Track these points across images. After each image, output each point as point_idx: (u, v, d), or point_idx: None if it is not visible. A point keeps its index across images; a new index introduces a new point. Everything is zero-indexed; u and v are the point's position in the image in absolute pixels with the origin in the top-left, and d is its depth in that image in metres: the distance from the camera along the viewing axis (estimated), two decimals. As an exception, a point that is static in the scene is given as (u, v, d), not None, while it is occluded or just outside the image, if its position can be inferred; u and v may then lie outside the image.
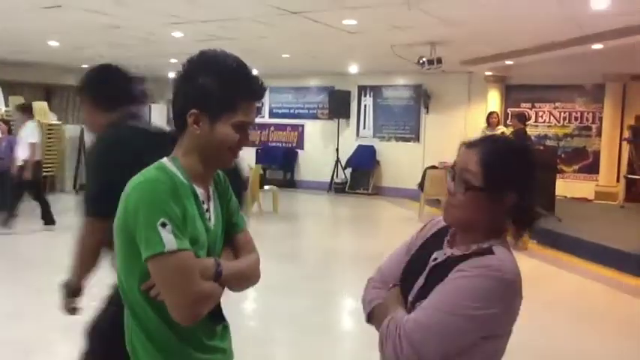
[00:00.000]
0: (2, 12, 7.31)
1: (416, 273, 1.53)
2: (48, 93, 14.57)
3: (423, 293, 1.45)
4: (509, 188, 1.43)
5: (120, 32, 8.47)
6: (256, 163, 13.20)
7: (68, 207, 10.77)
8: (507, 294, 1.40)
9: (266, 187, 10.84)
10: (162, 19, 7.31)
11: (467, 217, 1.46)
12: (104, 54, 11.08)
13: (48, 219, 8.42)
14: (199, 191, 1.59)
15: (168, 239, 1.42)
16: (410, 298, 1.50)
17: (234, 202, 1.76)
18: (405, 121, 13.64)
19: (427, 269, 1.50)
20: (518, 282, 1.42)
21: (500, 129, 10.21)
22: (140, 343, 1.56)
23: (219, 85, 1.50)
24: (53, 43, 9.84)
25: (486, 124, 10.30)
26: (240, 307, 5.22)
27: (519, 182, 1.45)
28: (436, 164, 10.88)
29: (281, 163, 14.73)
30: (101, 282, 2.24)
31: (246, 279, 1.68)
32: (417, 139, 13.56)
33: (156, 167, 1.55)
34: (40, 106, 12.60)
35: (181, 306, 1.46)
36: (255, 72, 1.57)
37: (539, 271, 6.80)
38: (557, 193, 9.52)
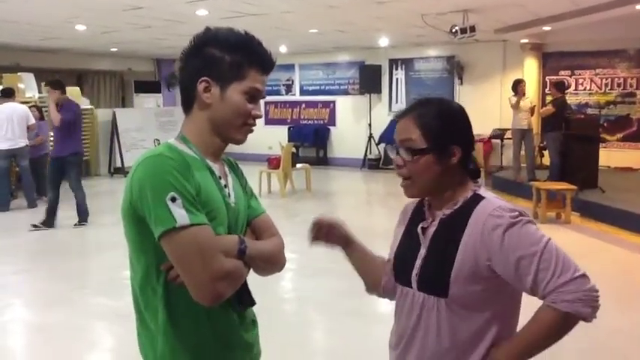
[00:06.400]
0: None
1: (412, 251, 1.52)
2: (80, 78, 14.73)
3: (428, 262, 1.47)
4: (452, 142, 1.46)
5: (143, 13, 8.36)
6: (288, 141, 13.09)
7: (103, 190, 10.93)
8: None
9: (298, 166, 10.71)
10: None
11: (427, 182, 1.48)
12: (132, 37, 11.05)
13: None
14: (214, 167, 1.49)
15: (180, 214, 1.31)
16: (415, 272, 1.49)
17: (250, 187, 1.67)
18: (439, 93, 13.24)
19: (427, 240, 1.49)
20: None
21: (528, 98, 9.73)
22: (152, 350, 1.45)
23: (227, 52, 1.45)
24: (80, 27, 9.81)
25: (514, 93, 9.56)
26: (273, 290, 5.13)
27: (458, 134, 1.49)
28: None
29: (313, 141, 14.61)
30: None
31: (273, 261, 1.56)
32: (451, 111, 13.22)
33: (163, 145, 1.46)
34: (72, 90, 12.76)
35: (201, 283, 1.33)
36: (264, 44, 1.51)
37: (584, 245, 6.53)
38: (599, 163, 9.13)
